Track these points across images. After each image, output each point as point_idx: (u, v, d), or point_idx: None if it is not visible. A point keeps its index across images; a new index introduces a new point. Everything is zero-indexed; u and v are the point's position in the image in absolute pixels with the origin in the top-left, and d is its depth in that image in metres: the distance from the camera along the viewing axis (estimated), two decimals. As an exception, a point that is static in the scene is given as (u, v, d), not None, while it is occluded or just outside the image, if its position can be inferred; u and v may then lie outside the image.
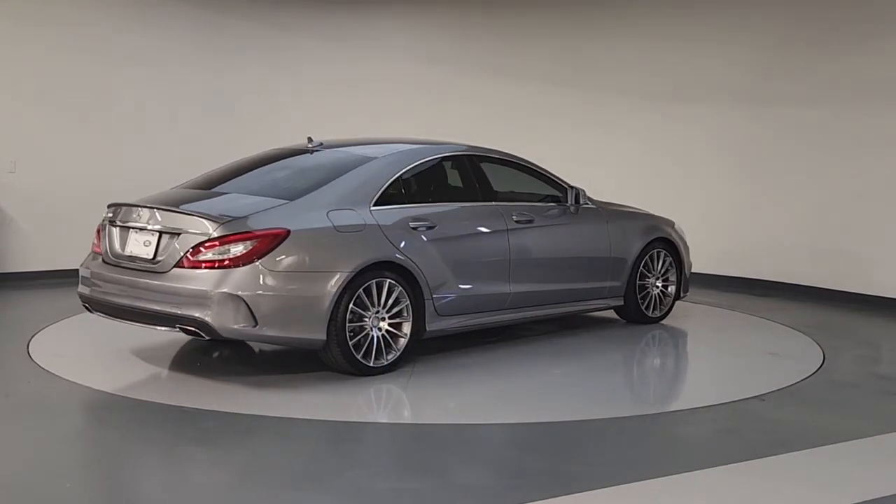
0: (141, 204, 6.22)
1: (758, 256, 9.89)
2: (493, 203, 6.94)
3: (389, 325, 6.12)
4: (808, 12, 9.39)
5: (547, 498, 4.13)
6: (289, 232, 5.78)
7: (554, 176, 7.50)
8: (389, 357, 6.13)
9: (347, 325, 5.88)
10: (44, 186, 9.60)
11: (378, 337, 6.06)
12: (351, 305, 5.89)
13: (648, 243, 7.79)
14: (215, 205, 6.22)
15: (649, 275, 7.83)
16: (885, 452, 5.00)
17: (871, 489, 4.36)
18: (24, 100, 9.52)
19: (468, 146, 7.22)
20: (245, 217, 5.86)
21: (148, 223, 6.05)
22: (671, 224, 8.17)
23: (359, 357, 5.96)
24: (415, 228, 6.33)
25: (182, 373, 6.30)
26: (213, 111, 10.33)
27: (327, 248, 5.93)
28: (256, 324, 5.66)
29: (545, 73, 11.04)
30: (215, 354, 6.73)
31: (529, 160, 7.51)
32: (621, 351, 7.26)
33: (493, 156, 7.27)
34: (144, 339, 6.84)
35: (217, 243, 5.70)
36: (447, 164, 7.04)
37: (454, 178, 7.08)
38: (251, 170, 6.83)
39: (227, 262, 5.67)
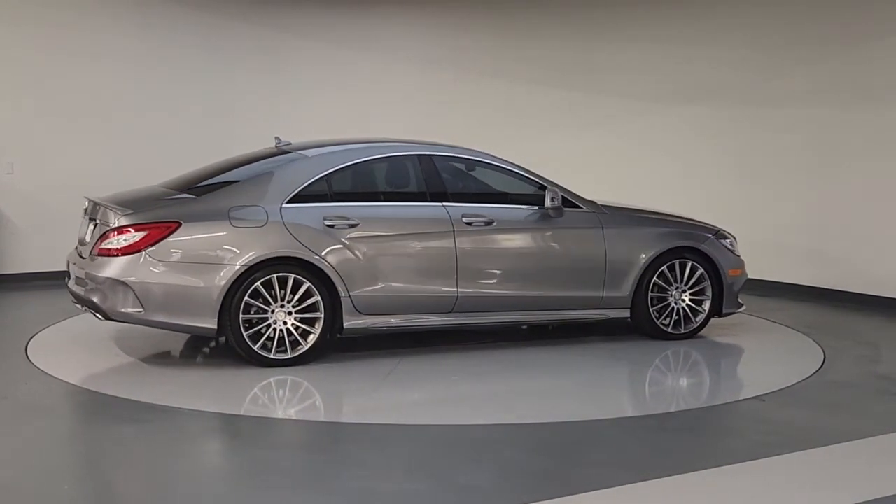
0: (92, 198, 6.66)
1: (758, 256, 9.84)
2: (440, 203, 6.75)
3: (301, 319, 6.23)
4: (807, 12, 9.37)
5: (547, 498, 4.12)
6: (179, 224, 6.07)
7: (535, 176, 7.12)
8: (297, 350, 6.23)
9: (242, 316, 6.08)
10: (42, 188, 9.60)
11: (282, 330, 6.19)
12: (247, 298, 6.09)
13: (665, 252, 7.25)
14: (141, 199, 6.52)
15: (668, 287, 7.37)
16: (885, 452, 4.99)
17: (871, 489, 4.35)
18: (23, 101, 9.51)
19: (424, 145, 7.07)
20: (144, 210, 6.23)
21: (93, 215, 6.53)
22: (712, 232, 7.58)
23: (255, 348, 6.14)
24: (331, 226, 6.37)
25: (180, 373, 6.29)
26: (213, 113, 10.31)
27: (219, 241, 6.16)
28: (144, 309, 6.02)
29: (544, 74, 11.03)
30: (205, 349, 6.74)
31: (506, 160, 7.17)
32: (623, 353, 7.23)
33: (455, 155, 7.07)
34: (142, 340, 6.85)
35: (115, 233, 6.11)
36: (392, 164, 6.95)
37: (397, 178, 7.01)
38: (219, 170, 6.92)
39: (120, 250, 6.06)
